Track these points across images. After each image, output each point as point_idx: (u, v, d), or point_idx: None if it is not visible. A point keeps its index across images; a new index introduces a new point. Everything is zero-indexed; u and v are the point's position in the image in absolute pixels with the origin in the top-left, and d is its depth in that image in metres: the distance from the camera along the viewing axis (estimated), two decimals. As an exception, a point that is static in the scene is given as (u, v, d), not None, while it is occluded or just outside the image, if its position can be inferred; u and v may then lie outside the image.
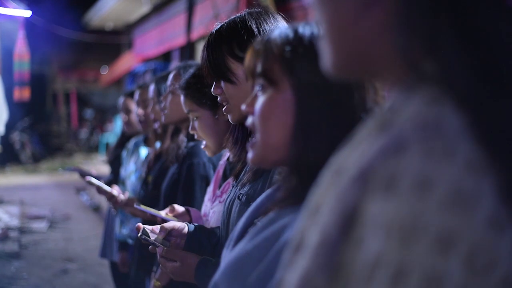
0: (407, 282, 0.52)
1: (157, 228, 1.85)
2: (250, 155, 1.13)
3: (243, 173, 1.80)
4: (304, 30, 1.09)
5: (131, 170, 3.76)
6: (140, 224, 1.86)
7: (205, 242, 1.83)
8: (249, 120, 1.14)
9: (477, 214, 0.53)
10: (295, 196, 1.04)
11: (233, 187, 1.82)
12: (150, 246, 1.84)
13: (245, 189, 1.62)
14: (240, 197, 1.63)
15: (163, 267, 1.75)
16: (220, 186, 2.10)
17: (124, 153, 3.94)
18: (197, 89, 2.11)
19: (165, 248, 1.76)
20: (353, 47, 0.67)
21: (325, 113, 1.03)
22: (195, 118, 2.12)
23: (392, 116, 0.61)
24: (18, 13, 9.18)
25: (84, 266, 6.61)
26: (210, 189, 2.24)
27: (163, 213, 2.23)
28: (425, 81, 0.61)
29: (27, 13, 9.39)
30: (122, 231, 3.70)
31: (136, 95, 3.69)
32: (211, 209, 2.09)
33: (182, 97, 2.20)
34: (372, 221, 0.56)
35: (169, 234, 1.85)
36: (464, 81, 0.58)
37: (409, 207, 0.54)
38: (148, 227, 1.85)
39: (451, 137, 0.56)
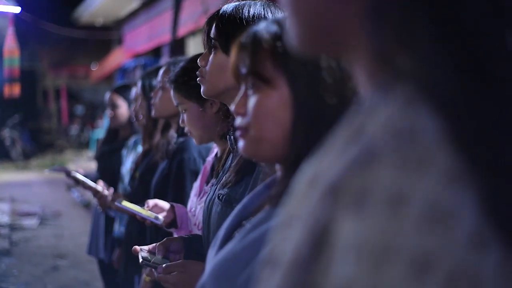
0: None
1: (154, 247, 1.83)
2: (241, 145, 1.09)
3: (222, 172, 1.79)
4: None
5: (128, 168, 3.76)
6: (137, 247, 1.83)
7: (202, 251, 1.81)
8: (239, 121, 1.09)
9: (457, 231, 0.48)
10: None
11: (212, 185, 1.79)
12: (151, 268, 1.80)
13: (226, 189, 1.59)
14: (220, 197, 1.61)
15: (164, 282, 1.68)
16: (208, 182, 2.11)
17: (124, 152, 3.93)
18: (185, 82, 2.13)
19: (163, 265, 1.71)
20: (322, 30, 0.62)
21: (323, 106, 1.01)
22: (183, 111, 2.13)
23: (365, 120, 0.55)
24: (7, 9, 9.12)
25: (75, 263, 6.60)
26: (196, 185, 2.24)
27: (144, 210, 2.24)
28: (400, 79, 0.55)
29: (16, 9, 9.33)
30: (121, 228, 3.69)
31: (133, 93, 3.69)
32: (198, 205, 2.10)
33: (171, 90, 2.21)
34: (342, 242, 0.51)
35: (168, 250, 1.83)
36: (441, 79, 0.52)
37: (381, 226, 0.49)
38: (144, 248, 1.83)
39: (426, 145, 0.51)
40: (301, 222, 0.57)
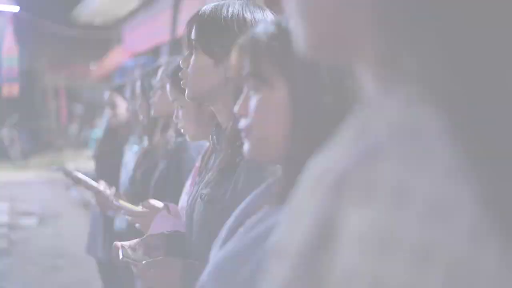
0: None
1: (134, 243, 1.79)
2: (246, 147, 1.10)
3: (204, 171, 1.77)
4: (287, 23, 1.07)
5: (127, 167, 3.76)
6: (118, 243, 1.79)
7: (184, 247, 1.80)
8: (243, 122, 1.10)
9: (458, 225, 0.50)
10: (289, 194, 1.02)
11: (195, 184, 1.78)
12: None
13: (208, 189, 1.58)
14: (202, 197, 1.59)
15: (143, 280, 1.67)
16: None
17: (126, 151, 3.94)
18: None
19: (143, 262, 1.67)
20: (332, 35, 0.63)
21: (321, 105, 1.02)
22: (179, 107, 2.13)
23: (370, 118, 0.57)
24: (6, 8, 9.12)
25: (74, 263, 6.59)
26: (188, 183, 2.24)
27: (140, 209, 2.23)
28: (404, 78, 0.56)
29: (15, 8, 9.34)
30: (121, 223, 3.68)
31: (128, 93, 3.69)
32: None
33: (168, 86, 2.20)
34: (347, 233, 0.53)
35: (149, 247, 1.80)
36: (444, 79, 0.54)
37: (384, 219, 0.50)
38: (125, 244, 1.79)
39: (428, 141, 0.52)
40: (308, 215, 0.58)
